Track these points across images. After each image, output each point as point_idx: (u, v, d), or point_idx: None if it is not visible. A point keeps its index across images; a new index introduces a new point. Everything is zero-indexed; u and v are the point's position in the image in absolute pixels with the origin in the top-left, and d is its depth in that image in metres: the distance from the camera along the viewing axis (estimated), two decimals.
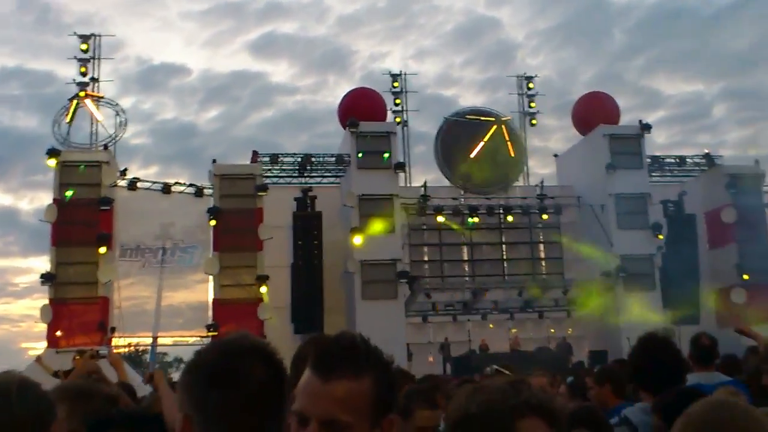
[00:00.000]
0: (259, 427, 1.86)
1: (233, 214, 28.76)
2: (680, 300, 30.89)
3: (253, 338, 1.95)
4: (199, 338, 28.86)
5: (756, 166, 33.87)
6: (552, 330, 33.15)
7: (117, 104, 30.24)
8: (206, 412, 1.84)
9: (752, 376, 4.80)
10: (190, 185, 30.15)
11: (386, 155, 30.38)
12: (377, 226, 29.36)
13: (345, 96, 33.35)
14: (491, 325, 32.61)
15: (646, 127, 32.53)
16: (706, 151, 34.34)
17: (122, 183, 28.93)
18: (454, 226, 32.68)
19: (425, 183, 32.68)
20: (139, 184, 29.36)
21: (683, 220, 32.53)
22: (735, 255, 32.16)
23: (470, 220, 32.62)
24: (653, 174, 33.48)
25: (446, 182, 33.59)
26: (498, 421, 1.67)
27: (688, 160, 34.09)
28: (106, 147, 28.89)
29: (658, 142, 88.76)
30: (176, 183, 30.06)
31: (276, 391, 1.89)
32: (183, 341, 29.64)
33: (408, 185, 32.73)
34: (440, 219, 31.96)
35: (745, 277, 31.53)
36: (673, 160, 34.02)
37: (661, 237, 31.48)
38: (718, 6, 75.33)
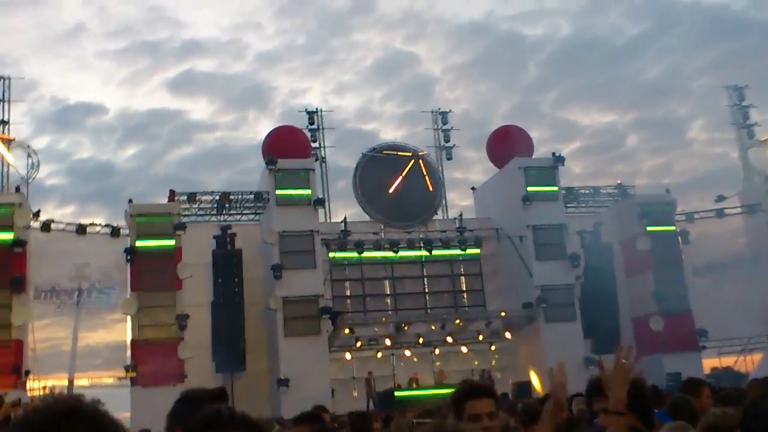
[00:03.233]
0: None
1: (150, 253, 28.50)
2: (600, 329, 31.35)
3: (78, 402, 1.68)
4: (117, 379, 28.38)
5: (667, 195, 34.86)
6: (476, 362, 33.27)
7: (29, 146, 30.24)
8: None
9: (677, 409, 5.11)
10: (106, 225, 29.92)
11: (306, 192, 30.54)
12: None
13: (268, 134, 33.40)
14: (415, 359, 32.64)
15: (560, 160, 33.24)
16: (618, 181, 35.23)
17: (35, 225, 28.58)
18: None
19: (345, 218, 32.92)
20: (53, 226, 29.15)
21: (600, 249, 33.01)
22: (651, 283, 32.79)
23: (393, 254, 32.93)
24: (569, 205, 34.11)
25: (366, 217, 33.83)
26: None
27: (601, 190, 34.88)
28: (18, 189, 28.54)
29: (575, 173, 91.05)
30: (91, 224, 29.87)
31: None
32: (101, 382, 29.03)
33: (328, 221, 32.90)
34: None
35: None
36: (587, 191, 34.74)
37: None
38: (628, 36, 78.49)
